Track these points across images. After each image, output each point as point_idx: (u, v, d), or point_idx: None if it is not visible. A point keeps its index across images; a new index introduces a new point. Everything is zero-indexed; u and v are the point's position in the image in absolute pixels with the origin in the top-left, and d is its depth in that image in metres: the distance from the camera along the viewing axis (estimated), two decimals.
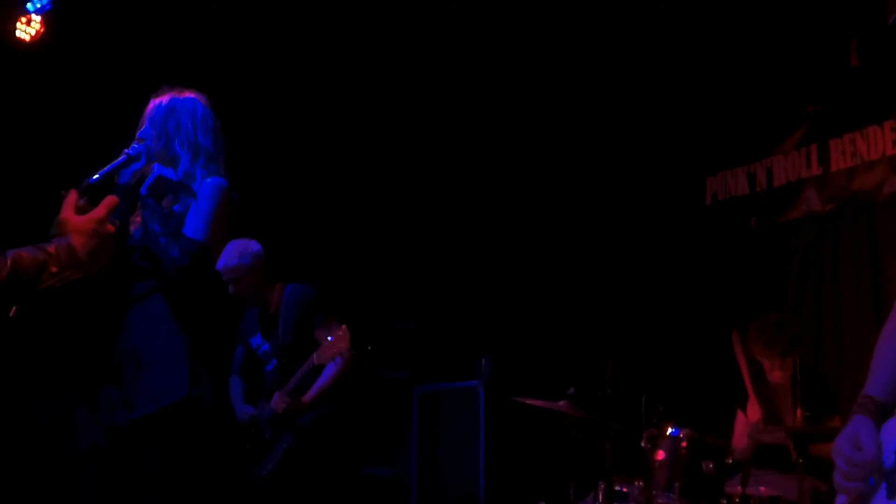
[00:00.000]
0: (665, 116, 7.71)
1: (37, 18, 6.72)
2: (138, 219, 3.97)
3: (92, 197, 3.45)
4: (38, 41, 6.75)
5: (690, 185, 7.62)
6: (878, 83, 6.11)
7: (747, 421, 5.47)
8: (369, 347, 7.15)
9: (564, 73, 7.58)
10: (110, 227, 2.98)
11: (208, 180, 4.00)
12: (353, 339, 5.59)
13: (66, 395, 6.74)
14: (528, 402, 5.50)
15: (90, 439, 6.42)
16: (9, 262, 2.65)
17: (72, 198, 2.90)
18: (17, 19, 6.69)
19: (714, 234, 7.46)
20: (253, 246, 5.81)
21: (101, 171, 3.74)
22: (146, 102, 4.11)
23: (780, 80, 6.93)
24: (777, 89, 6.98)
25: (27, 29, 6.73)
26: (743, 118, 7.27)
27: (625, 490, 5.25)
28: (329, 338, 5.51)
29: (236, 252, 5.73)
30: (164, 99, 4.10)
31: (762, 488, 5.07)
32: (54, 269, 2.72)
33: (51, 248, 2.78)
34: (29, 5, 6.65)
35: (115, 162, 3.82)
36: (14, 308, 2.83)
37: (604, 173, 8.12)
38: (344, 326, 5.55)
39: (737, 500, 4.96)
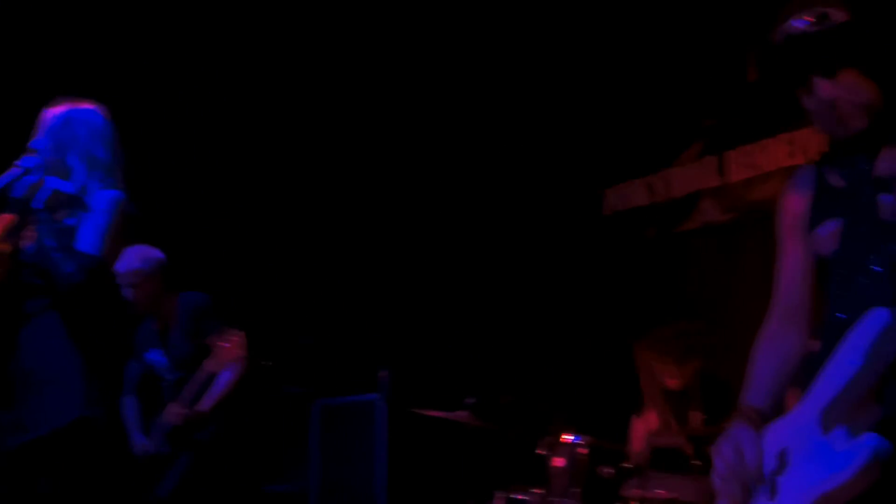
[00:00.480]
0: (564, 128, 7.74)
1: None
2: (30, 233, 3.85)
3: None
4: None
5: (589, 196, 7.67)
6: (774, 97, 6.24)
7: (645, 426, 5.51)
8: (269, 363, 7.11)
9: (459, 83, 7.60)
10: (6, 246, 2.93)
11: (103, 192, 3.94)
12: (249, 347, 5.54)
13: None
14: (428, 413, 5.53)
15: None
16: None
17: None
18: None
19: (613, 244, 7.54)
20: (154, 253, 5.73)
21: None
22: (40, 113, 4.04)
23: (678, 93, 7.01)
24: (675, 103, 7.06)
25: None
26: (641, 131, 7.31)
27: (522, 498, 5.23)
28: (223, 344, 5.45)
29: (137, 257, 5.62)
30: (59, 109, 4.04)
31: (660, 491, 5.04)
32: None
33: None
34: None
35: (7, 175, 3.76)
36: None
37: (503, 185, 8.07)
38: (238, 332, 5.51)
39: (635, 503, 4.96)
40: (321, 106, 7.71)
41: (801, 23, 2.54)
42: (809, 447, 2.47)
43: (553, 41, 7.05)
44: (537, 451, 5.22)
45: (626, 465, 5.20)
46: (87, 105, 4.10)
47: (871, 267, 2.53)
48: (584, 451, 5.11)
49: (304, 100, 7.67)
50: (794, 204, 2.80)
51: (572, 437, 5.17)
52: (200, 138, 7.65)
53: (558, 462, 5.16)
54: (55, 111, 4.04)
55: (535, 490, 5.20)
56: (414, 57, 7.26)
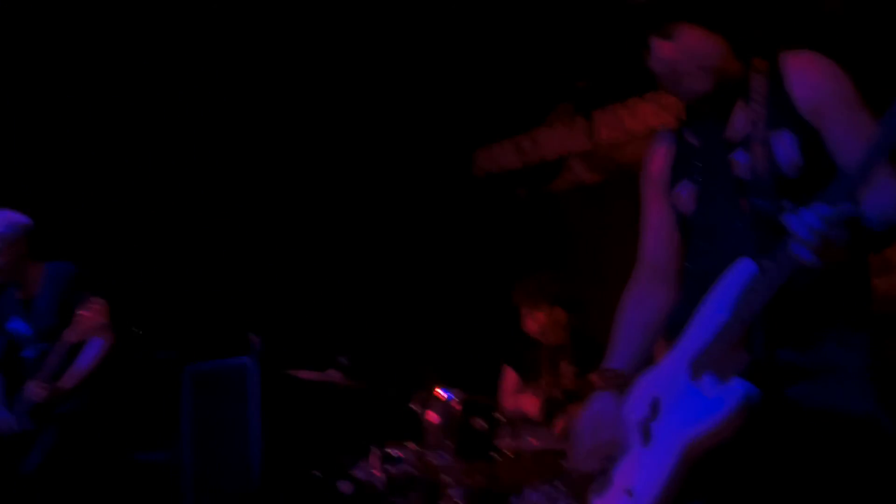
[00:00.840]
0: (434, 91, 7.72)
1: None
2: None
3: None
4: None
5: (460, 157, 7.76)
6: (640, 57, 6.35)
7: (516, 378, 5.58)
8: (139, 330, 7.07)
9: (323, 47, 7.52)
10: None
11: None
12: (114, 316, 5.44)
13: None
14: (301, 374, 5.56)
15: None
16: None
17: None
18: None
19: (484, 204, 7.61)
20: (18, 217, 5.57)
21: None
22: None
23: (547, 54, 7.03)
24: (543, 64, 7.09)
25: None
26: (511, 92, 7.32)
27: (399, 455, 5.24)
28: (83, 313, 5.32)
29: (0, 221, 5.53)
30: None
31: (532, 440, 5.06)
32: None
33: None
34: None
35: None
36: None
37: (374, 147, 8.07)
38: (101, 300, 5.37)
39: (509, 453, 4.97)
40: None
41: None
42: (680, 394, 2.54)
43: (420, 2, 7.03)
44: (410, 407, 5.25)
45: (498, 417, 5.22)
46: None
47: (730, 222, 2.59)
48: (457, 404, 5.13)
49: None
50: (655, 164, 2.88)
51: (444, 391, 5.20)
52: (70, 106, 7.44)
53: (432, 417, 5.18)
54: None
55: (409, 445, 5.24)
56: (272, 21, 7.14)
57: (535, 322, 5.66)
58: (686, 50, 2.60)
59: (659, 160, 2.88)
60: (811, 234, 2.16)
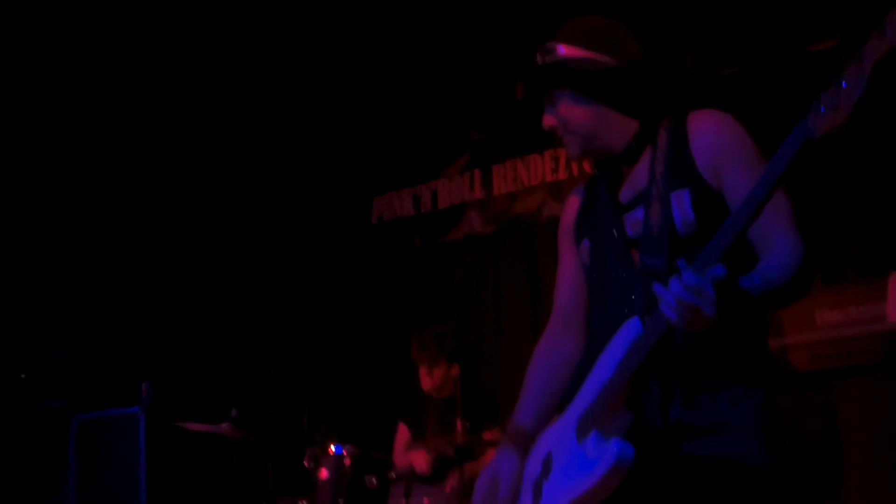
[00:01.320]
0: (334, 137, 7.75)
1: None
2: None
3: None
4: None
5: (357, 204, 7.72)
6: (540, 114, 6.43)
7: (408, 434, 5.61)
8: (22, 375, 6.97)
9: (232, 86, 7.50)
10: None
11: None
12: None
13: None
14: (190, 426, 5.47)
15: None
16: None
17: None
18: None
19: (380, 252, 7.59)
20: None
21: None
22: None
23: (447, 106, 7.10)
24: (443, 115, 7.15)
25: None
26: (410, 142, 7.41)
27: None
28: None
29: None
30: None
31: (425, 499, 5.17)
32: None
33: None
34: None
35: None
36: None
37: (274, 191, 8.07)
38: None
39: None
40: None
41: (538, 55, 2.64)
42: (567, 453, 2.53)
43: (323, 50, 7.04)
44: (304, 463, 5.24)
45: (390, 474, 5.30)
46: None
47: (622, 280, 2.59)
48: (349, 461, 5.16)
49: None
50: (567, 216, 2.88)
51: (337, 448, 5.20)
52: None
53: (323, 473, 5.18)
54: None
55: (300, 502, 5.24)
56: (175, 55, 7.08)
57: (432, 379, 5.69)
58: (561, 118, 2.64)
59: (570, 212, 2.88)
60: (676, 301, 2.15)
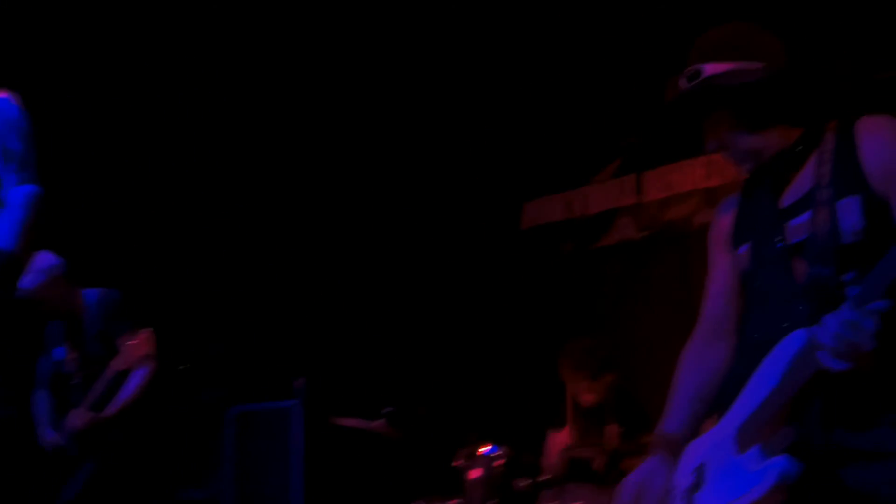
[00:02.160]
0: (486, 142, 7.65)
1: None
2: None
3: None
4: None
5: (508, 210, 7.69)
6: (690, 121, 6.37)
7: (560, 440, 5.55)
8: (183, 367, 7.07)
9: (381, 94, 7.40)
10: None
11: (20, 188, 3.75)
12: (164, 350, 5.46)
13: None
14: (345, 422, 5.58)
15: None
16: None
17: None
18: None
19: (530, 258, 7.56)
20: (46, 259, 5.60)
21: None
22: None
23: (600, 111, 7.00)
24: (596, 120, 7.06)
25: None
26: (561, 147, 7.29)
27: None
28: (130, 342, 5.31)
29: (35, 267, 5.54)
30: None
31: (578, 503, 5.09)
32: None
33: None
34: None
35: None
36: None
37: (424, 197, 8.02)
38: (148, 330, 5.37)
39: None
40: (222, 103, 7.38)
41: (682, 81, 2.63)
42: (724, 465, 2.51)
43: (475, 55, 6.96)
44: (454, 463, 5.21)
45: (541, 478, 5.21)
46: (1, 94, 3.90)
47: (784, 289, 2.53)
48: (500, 462, 5.10)
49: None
50: (721, 223, 2.83)
51: (488, 449, 5.16)
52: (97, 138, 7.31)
53: (474, 474, 5.13)
54: None
55: (451, 502, 5.21)
56: (332, 68, 7.02)
57: (583, 392, 5.60)
58: (725, 140, 2.63)
59: (725, 217, 2.83)
60: (835, 342, 2.14)
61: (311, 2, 6.34)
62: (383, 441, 5.57)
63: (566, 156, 7.32)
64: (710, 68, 2.62)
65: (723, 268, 2.82)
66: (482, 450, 5.18)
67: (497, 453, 5.15)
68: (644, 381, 6.11)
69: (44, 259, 5.52)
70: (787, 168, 2.62)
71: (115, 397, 5.42)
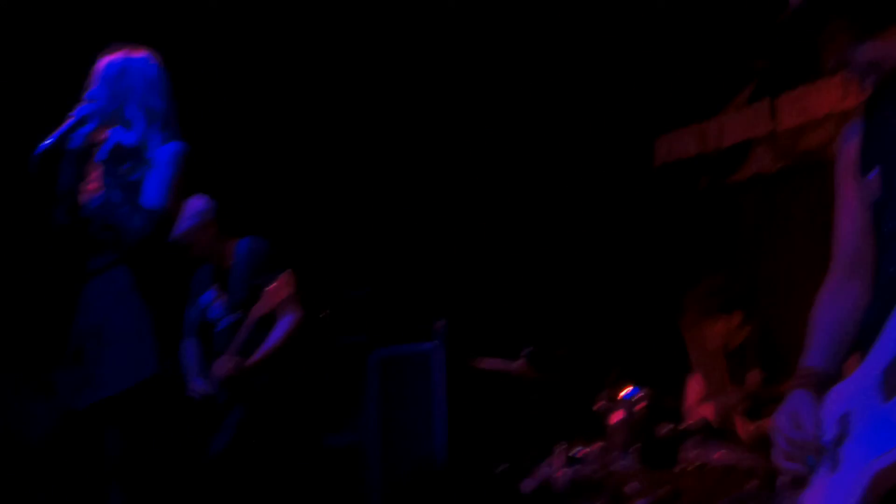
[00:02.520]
0: (613, 78, 7.64)
1: None
2: (94, 185, 3.90)
3: (45, 167, 3.68)
4: None
5: (638, 145, 7.66)
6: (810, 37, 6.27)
7: (699, 387, 5.58)
8: (324, 313, 7.27)
9: (514, 41, 7.45)
10: None
11: (166, 145, 3.94)
12: (306, 297, 5.63)
13: (14, 383, 6.58)
14: (485, 363, 5.61)
15: (43, 431, 6.32)
16: None
17: None
18: None
19: (664, 195, 7.53)
20: (198, 203, 5.77)
21: (51, 137, 3.71)
22: (94, 60, 4.02)
23: (728, 35, 6.91)
24: (725, 45, 6.98)
25: None
26: (692, 77, 7.24)
27: (582, 455, 5.21)
28: (269, 287, 5.47)
29: (189, 208, 5.69)
30: (115, 58, 4.00)
31: (718, 452, 4.95)
32: None
33: None
34: None
35: (63, 126, 3.77)
36: None
37: (551, 136, 8.03)
38: (288, 273, 5.52)
39: (693, 467, 4.90)
40: (372, 68, 7.59)
41: None
42: (870, 415, 2.42)
43: None
44: (595, 406, 5.24)
45: (685, 426, 5.17)
46: (141, 53, 4.06)
47: None
48: (642, 406, 5.10)
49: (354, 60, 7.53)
50: (847, 150, 2.73)
51: (629, 392, 5.17)
52: (252, 87, 7.53)
53: (616, 417, 5.16)
54: (110, 60, 4.00)
55: (594, 446, 5.19)
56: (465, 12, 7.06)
57: (714, 332, 5.59)
58: (846, 58, 2.54)
59: (850, 146, 2.71)
60: None
61: None
62: (524, 382, 5.59)
63: (698, 85, 7.25)
64: None
65: (852, 202, 2.72)
66: (623, 393, 5.17)
67: (638, 396, 5.14)
68: (786, 323, 6.07)
69: (196, 203, 5.68)
70: None
71: (260, 343, 5.54)
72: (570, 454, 5.18)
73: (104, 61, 3.99)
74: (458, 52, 7.56)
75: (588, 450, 5.19)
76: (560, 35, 7.42)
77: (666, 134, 7.51)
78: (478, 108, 8.08)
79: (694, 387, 5.63)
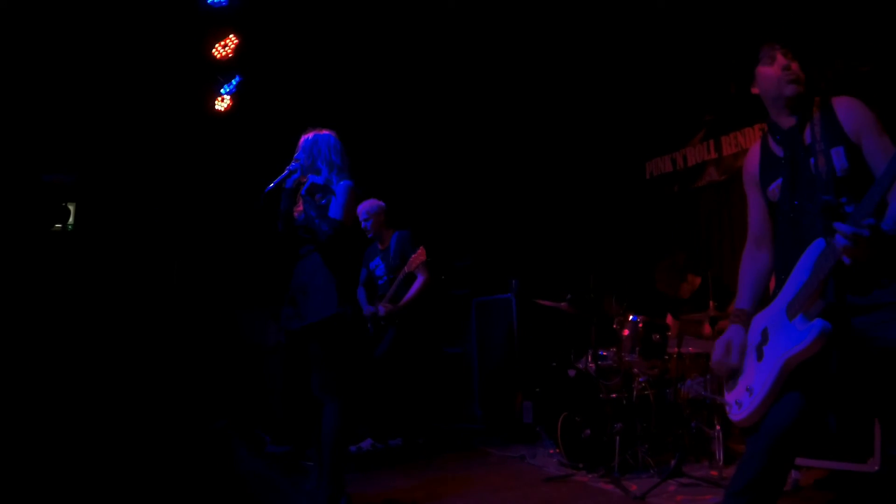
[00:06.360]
0: (621, 125, 7.62)
1: (227, 97, 6.90)
2: (300, 208, 4.00)
3: (270, 199, 3.81)
4: (227, 111, 6.89)
5: (635, 166, 7.56)
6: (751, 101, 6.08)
7: (677, 323, 5.50)
8: (443, 276, 7.50)
9: (563, 79, 7.40)
10: None
11: (341, 183, 4.00)
12: (429, 261, 5.59)
13: (262, 313, 6.56)
14: (543, 303, 5.68)
15: (275, 339, 6.35)
16: None
17: None
18: (215, 98, 6.89)
19: (651, 198, 7.40)
20: (378, 202, 5.89)
21: (274, 182, 3.86)
22: (297, 140, 4.14)
23: (690, 98, 6.90)
24: (687, 105, 6.96)
25: (221, 104, 6.91)
26: (666, 123, 7.16)
27: (604, 353, 5.40)
28: (413, 255, 5.52)
29: (369, 205, 5.82)
30: (310, 135, 4.10)
31: (690, 348, 5.27)
32: None
33: None
34: (223, 89, 6.84)
35: (281, 175, 3.92)
36: None
37: (584, 161, 7.99)
38: (421, 248, 5.55)
39: (674, 355, 5.09)
40: (469, 72, 7.44)
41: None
42: (781, 328, 2.49)
43: (614, 58, 6.96)
44: (614, 325, 5.34)
45: (669, 333, 5.28)
46: (326, 131, 4.13)
47: (807, 210, 2.46)
48: (642, 325, 5.22)
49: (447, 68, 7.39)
50: (750, 167, 2.73)
51: (633, 317, 5.30)
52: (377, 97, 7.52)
53: (625, 332, 5.32)
54: (307, 136, 4.10)
55: (612, 349, 5.41)
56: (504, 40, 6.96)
57: (689, 287, 5.67)
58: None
59: (752, 164, 2.71)
60: (843, 246, 2.15)
61: None
62: (567, 315, 5.60)
63: (672, 129, 7.11)
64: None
65: (757, 201, 2.71)
66: (630, 317, 5.32)
67: (638, 319, 5.27)
68: (727, 275, 6.09)
69: (372, 203, 5.88)
70: (801, 122, 2.52)
71: (406, 293, 5.70)
72: (597, 353, 5.35)
73: (304, 137, 4.08)
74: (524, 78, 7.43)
75: (608, 351, 5.44)
76: (584, 86, 7.41)
77: (651, 159, 7.43)
78: (541, 140, 8.11)
79: (673, 322, 5.65)
